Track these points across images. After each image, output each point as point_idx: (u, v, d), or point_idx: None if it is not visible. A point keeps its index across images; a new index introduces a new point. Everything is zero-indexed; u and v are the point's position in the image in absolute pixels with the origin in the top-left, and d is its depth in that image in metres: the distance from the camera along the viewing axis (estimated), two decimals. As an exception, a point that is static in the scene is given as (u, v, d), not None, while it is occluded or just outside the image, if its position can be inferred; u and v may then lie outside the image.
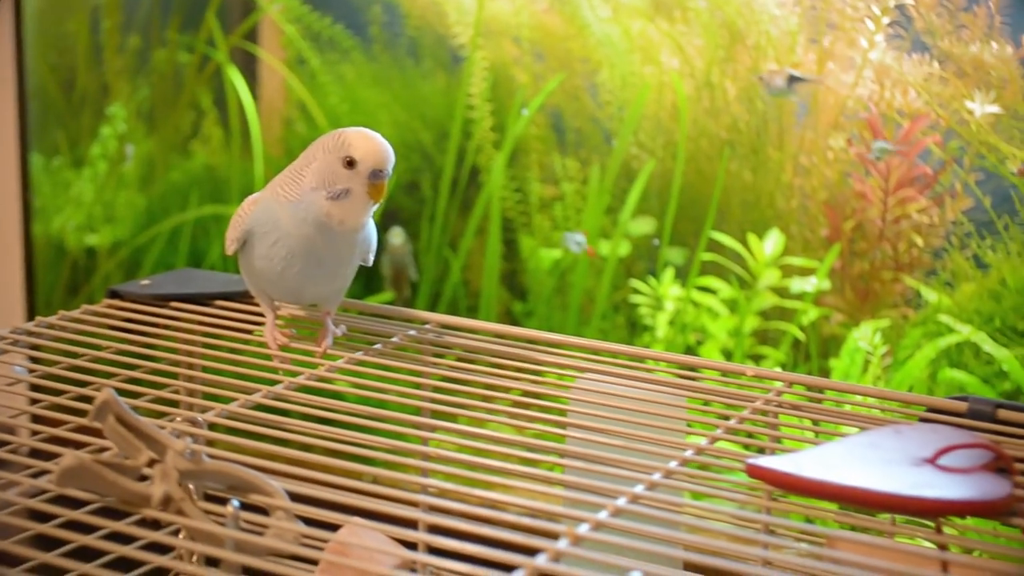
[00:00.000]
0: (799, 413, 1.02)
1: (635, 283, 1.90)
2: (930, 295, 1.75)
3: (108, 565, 0.84)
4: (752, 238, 1.82)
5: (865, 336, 1.68)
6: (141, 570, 1.07)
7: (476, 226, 1.97)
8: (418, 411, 1.07)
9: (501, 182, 1.97)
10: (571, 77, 2.01)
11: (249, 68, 2.25)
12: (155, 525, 0.94)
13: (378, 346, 1.11)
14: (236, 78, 2.03)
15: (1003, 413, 0.99)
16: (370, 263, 1.12)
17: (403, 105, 2.12)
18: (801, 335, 1.80)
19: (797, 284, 1.81)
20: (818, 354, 1.81)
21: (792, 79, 1.76)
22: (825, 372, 1.77)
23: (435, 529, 0.89)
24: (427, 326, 1.16)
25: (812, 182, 1.87)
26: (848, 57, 1.84)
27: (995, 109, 1.70)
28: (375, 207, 1.07)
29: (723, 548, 0.81)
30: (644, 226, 1.94)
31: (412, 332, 1.14)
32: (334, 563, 0.96)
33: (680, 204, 1.92)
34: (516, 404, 1.02)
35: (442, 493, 0.95)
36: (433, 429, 1.04)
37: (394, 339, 1.13)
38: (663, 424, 0.98)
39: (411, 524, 1.01)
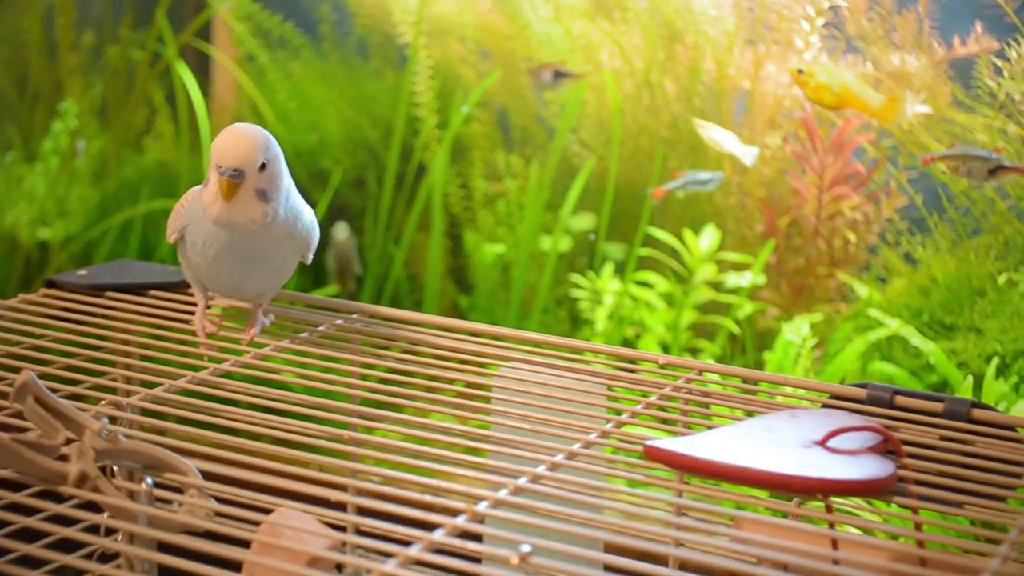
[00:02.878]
0: (707, 399, 1.06)
1: (575, 278, 1.93)
2: (862, 290, 1.79)
3: (51, 546, 0.87)
4: (688, 234, 1.86)
5: (796, 330, 1.72)
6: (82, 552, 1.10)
7: (419, 221, 2.00)
8: (344, 397, 1.11)
9: (443, 177, 2.00)
10: (515, 76, 2.05)
11: (201, 66, 2.28)
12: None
13: (304, 335, 1.15)
14: (186, 75, 2.06)
15: (900, 399, 1.03)
16: (308, 260, 1.14)
17: (350, 102, 2.15)
18: (736, 329, 1.84)
19: (733, 279, 1.85)
20: (753, 347, 1.85)
21: (558, 74, 1.86)
22: (760, 365, 1.81)
23: (363, 511, 0.92)
24: (354, 316, 1.19)
25: (749, 179, 1.91)
26: (785, 58, 1.88)
27: (925, 109, 1.74)
28: (257, 208, 1.05)
29: (633, 528, 0.84)
30: (585, 222, 1.98)
31: (339, 321, 1.18)
32: (266, 545, 0.99)
33: (620, 200, 1.96)
34: (436, 390, 1.06)
35: (367, 476, 0.98)
36: (359, 415, 1.08)
37: (320, 328, 1.16)
38: (579, 410, 1.01)
39: (340, 507, 1.05)
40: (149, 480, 0.83)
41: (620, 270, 1.92)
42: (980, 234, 1.79)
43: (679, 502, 0.93)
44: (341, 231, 2.00)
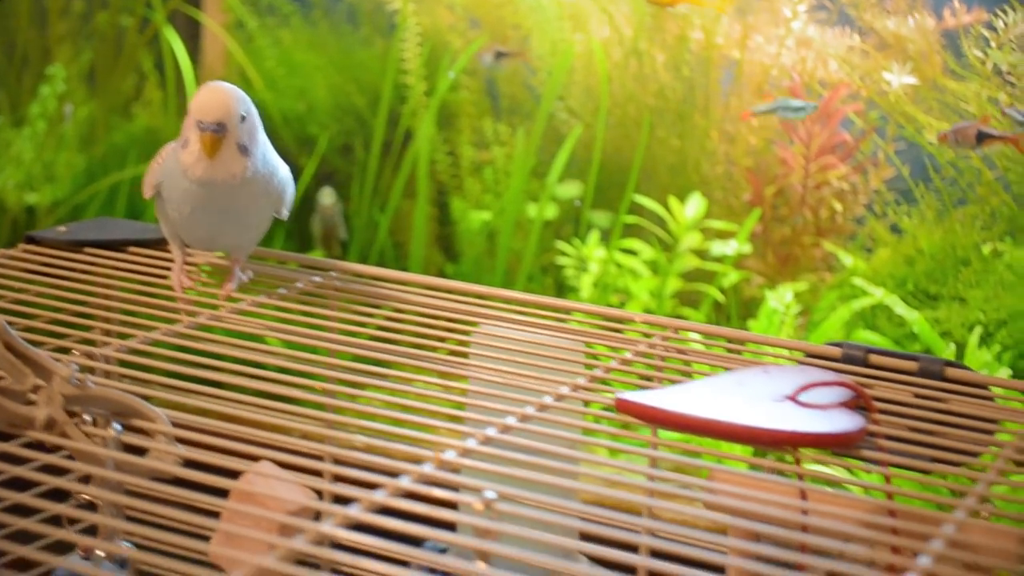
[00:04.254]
0: (683, 356, 1.06)
1: (561, 245, 1.93)
2: (847, 259, 1.79)
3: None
4: (674, 201, 1.86)
5: (780, 298, 1.72)
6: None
7: (405, 188, 2.00)
8: (321, 351, 1.11)
9: (429, 144, 2.00)
10: (503, 43, 2.04)
11: (191, 32, 2.27)
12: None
13: (282, 290, 1.15)
14: (174, 41, 2.06)
15: (874, 358, 1.03)
16: (284, 216, 1.15)
17: (339, 69, 2.15)
18: (721, 297, 1.84)
19: (718, 247, 1.85)
20: (738, 315, 1.85)
21: (499, 55, 1.95)
22: (744, 333, 1.81)
23: (339, 461, 0.93)
24: (332, 273, 1.19)
25: (736, 148, 1.91)
26: (773, 27, 1.88)
27: (911, 80, 1.74)
28: (239, 162, 1.05)
29: (607, 478, 0.85)
30: (572, 190, 1.97)
31: (317, 278, 1.18)
32: (242, 500, 0.99)
33: (608, 169, 1.96)
34: (415, 346, 1.06)
35: (343, 426, 0.99)
36: (336, 368, 1.07)
37: (298, 284, 1.16)
38: (555, 366, 1.01)
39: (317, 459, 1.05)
40: (117, 426, 0.83)
41: (606, 238, 1.92)
42: (966, 204, 1.79)
43: (653, 454, 0.93)
44: (327, 196, 2.00)
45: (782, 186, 1.87)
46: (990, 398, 1.00)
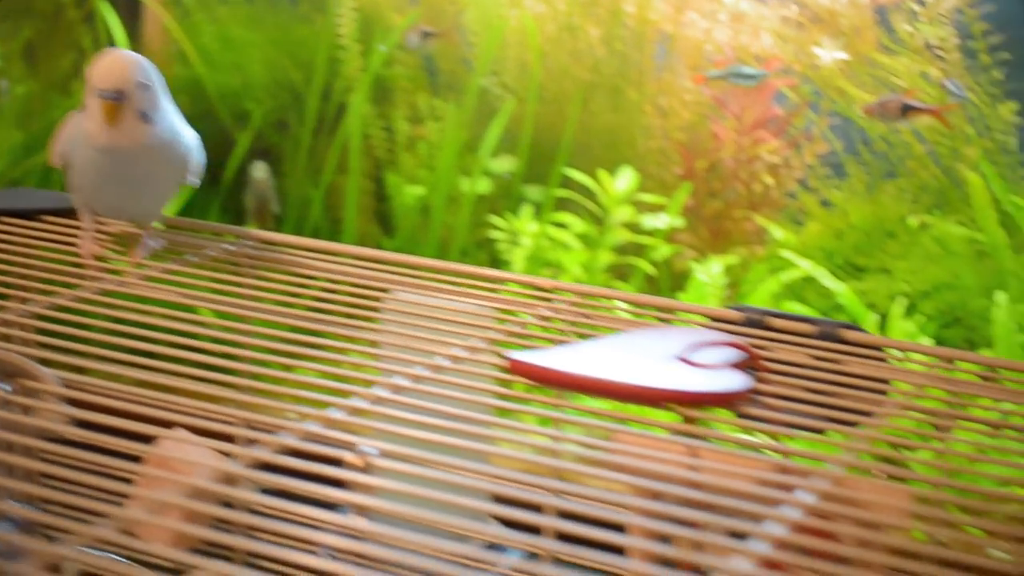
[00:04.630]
0: (587, 320, 1.06)
1: (494, 219, 1.94)
2: (778, 233, 1.80)
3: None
4: (605, 175, 1.87)
5: (708, 270, 1.73)
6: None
7: (339, 162, 2.00)
8: (229, 317, 1.11)
9: (361, 119, 2.00)
10: (439, 19, 2.05)
11: (130, 8, 2.26)
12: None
13: (193, 258, 1.15)
14: (111, 17, 2.05)
15: (773, 321, 1.04)
16: (193, 183, 1.15)
17: (275, 45, 2.15)
18: (652, 270, 1.85)
19: (650, 221, 1.86)
20: (669, 288, 1.86)
21: (425, 34, 2.01)
22: (675, 307, 1.82)
23: (251, 426, 0.93)
24: (246, 241, 1.19)
25: (670, 123, 1.92)
26: (707, 2, 1.89)
27: (842, 55, 1.76)
28: (140, 129, 1.05)
29: (503, 437, 0.85)
30: (506, 164, 1.98)
31: (230, 247, 1.18)
32: (159, 466, 0.99)
33: (542, 143, 1.96)
34: (323, 311, 1.07)
35: (255, 390, 0.99)
36: (244, 334, 1.08)
37: (209, 252, 1.17)
38: (457, 329, 1.02)
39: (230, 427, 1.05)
40: (5, 386, 0.84)
41: (538, 212, 1.92)
42: (896, 178, 1.81)
43: (555, 416, 0.94)
44: (259, 170, 2.00)
45: (715, 160, 1.88)
46: (884, 359, 1.01)
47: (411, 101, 2.08)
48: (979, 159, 1.76)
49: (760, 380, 0.93)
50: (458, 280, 1.15)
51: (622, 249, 1.89)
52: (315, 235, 2.01)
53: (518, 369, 0.91)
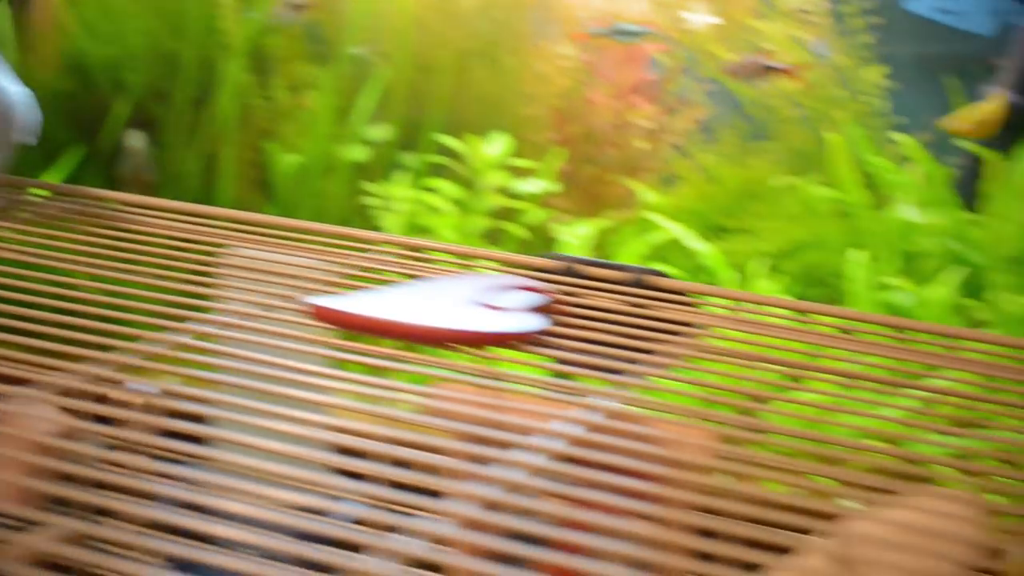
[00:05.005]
0: (410, 271, 1.08)
1: (369, 186, 1.95)
2: (649, 196, 1.83)
3: None
4: (477, 141, 1.89)
5: (573, 232, 1.75)
6: None
7: (219, 131, 2.01)
8: (60, 272, 1.12)
9: (239, 88, 2.01)
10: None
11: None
12: None
13: (25, 215, 1.16)
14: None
15: (583, 268, 1.06)
16: (28, 141, 1.15)
17: (157, 15, 2.15)
18: (525, 234, 1.87)
19: (524, 186, 1.88)
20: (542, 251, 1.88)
21: (296, 6, 2.03)
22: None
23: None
24: (83, 199, 1.20)
25: (546, 89, 1.94)
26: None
27: (714, 20, 1.78)
28: None
29: (308, 381, 0.87)
30: (383, 132, 1.99)
31: (65, 204, 1.19)
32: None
33: (420, 110, 1.98)
34: (162, 266, 1.08)
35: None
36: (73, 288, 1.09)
37: (44, 209, 1.17)
38: (286, 282, 1.03)
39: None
40: None
41: (413, 178, 1.94)
42: (768, 142, 1.83)
43: (375, 363, 0.95)
44: (133, 139, 2.00)
45: (589, 126, 1.90)
46: (692, 304, 1.04)
47: (291, 70, 2.09)
48: (847, 122, 1.79)
49: (560, 324, 0.95)
50: (293, 236, 1.17)
51: (498, 214, 1.90)
52: (194, 202, 2.02)
53: (319, 314, 0.93)
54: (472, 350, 0.92)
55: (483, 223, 1.89)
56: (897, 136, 1.79)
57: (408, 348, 1.01)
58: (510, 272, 1.09)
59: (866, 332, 1.05)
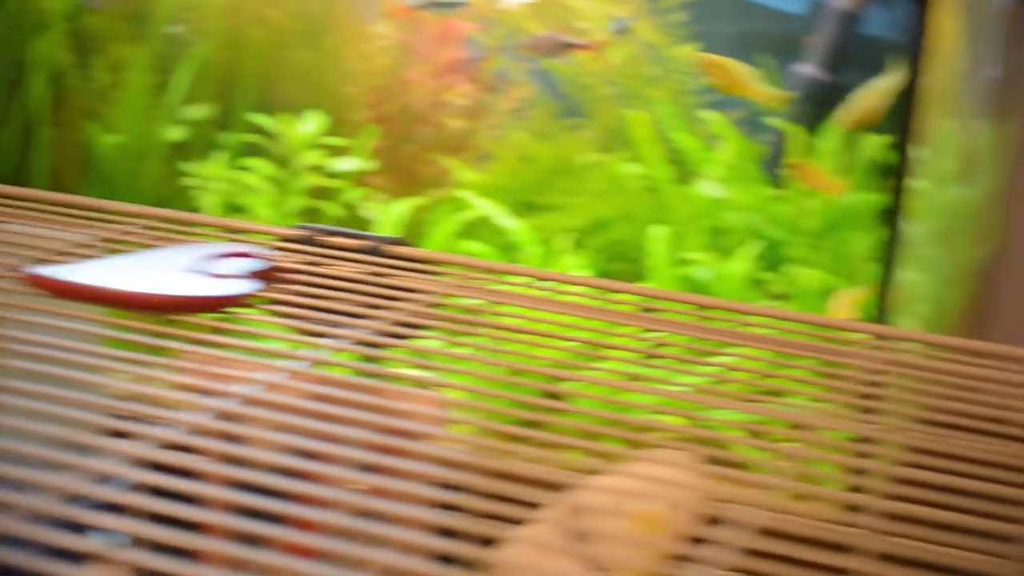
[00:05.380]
0: (146, 240, 1.09)
1: (188, 166, 1.95)
2: (464, 174, 1.84)
3: None
4: (290, 119, 1.89)
5: (392, 212, 1.77)
6: None
7: (32, 110, 2.00)
8: None
9: (54, 67, 2.00)
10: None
11: None
12: None
13: None
14: None
15: (326, 239, 1.08)
16: None
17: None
18: (341, 212, 1.88)
19: (340, 165, 1.89)
20: (365, 228, 1.89)
21: None
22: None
23: None
24: None
25: (363, 68, 1.94)
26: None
27: (525, -2, 1.79)
28: None
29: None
30: (201, 111, 1.99)
31: None
32: None
33: (236, 89, 1.98)
34: None
35: None
36: None
37: None
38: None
39: None
40: None
41: (230, 157, 1.94)
42: (581, 119, 1.85)
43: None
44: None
45: (405, 103, 1.91)
46: (436, 273, 1.05)
47: (113, 51, 2.08)
48: (659, 99, 1.81)
49: (293, 292, 0.96)
50: (56, 210, 1.17)
51: (314, 192, 1.91)
52: (15, 184, 2.01)
53: (36, 283, 0.93)
54: (188, 316, 0.93)
55: (299, 202, 1.89)
56: (707, 113, 1.82)
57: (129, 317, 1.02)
58: (259, 242, 1.10)
59: (665, 310, 1.07)
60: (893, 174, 1.52)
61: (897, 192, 1.50)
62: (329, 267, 1.04)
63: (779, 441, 0.89)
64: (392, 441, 0.81)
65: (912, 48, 1.54)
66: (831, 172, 1.69)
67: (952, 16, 1.60)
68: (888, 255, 1.51)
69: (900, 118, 1.55)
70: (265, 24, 1.98)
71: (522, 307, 1.02)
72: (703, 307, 1.13)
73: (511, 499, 0.75)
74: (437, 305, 1.00)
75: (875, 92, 1.66)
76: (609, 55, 1.76)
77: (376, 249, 1.05)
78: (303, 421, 0.80)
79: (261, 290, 0.93)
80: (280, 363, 0.86)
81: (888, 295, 1.53)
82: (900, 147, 1.51)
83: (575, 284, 1.06)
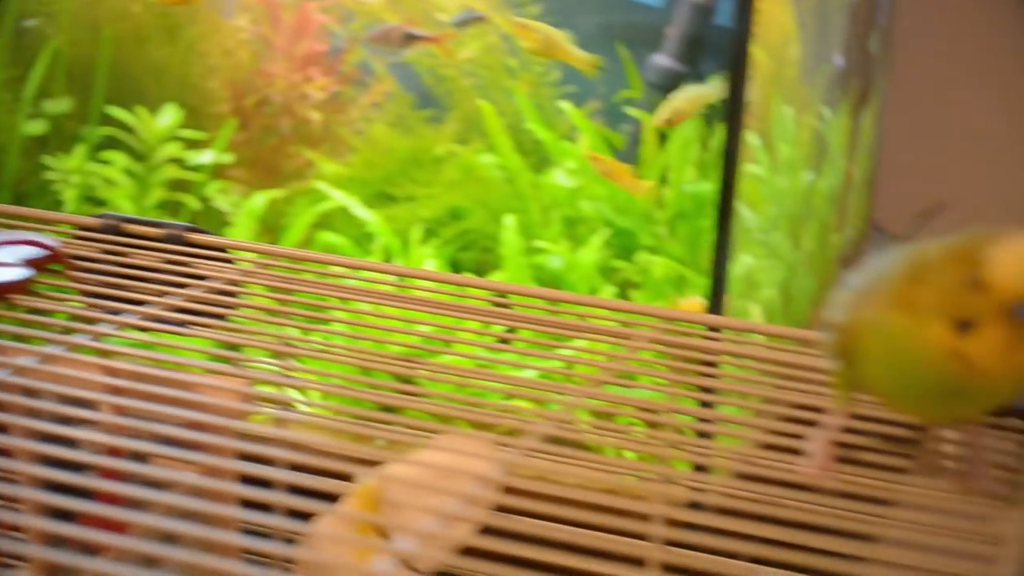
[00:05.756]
0: None
1: (49, 160, 1.94)
2: (324, 167, 1.85)
3: None
4: (147, 113, 1.89)
5: (251, 204, 1.77)
6: None
7: None
8: None
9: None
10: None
11: None
12: None
13: None
14: None
15: (127, 227, 1.08)
16: None
17: None
18: (199, 205, 1.88)
19: (199, 158, 1.89)
20: (216, 223, 1.89)
21: None
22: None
23: None
24: None
25: (223, 61, 1.94)
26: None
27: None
28: None
29: None
30: (61, 105, 1.98)
31: None
32: None
33: (97, 83, 1.97)
34: None
35: None
36: None
37: None
38: None
39: None
40: None
41: (90, 151, 1.93)
42: (440, 111, 1.87)
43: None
44: None
45: (264, 96, 1.91)
46: (231, 260, 1.06)
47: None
48: (517, 91, 1.82)
49: (73, 278, 0.96)
50: None
51: (174, 185, 1.91)
52: None
53: None
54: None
55: (159, 195, 1.89)
56: (564, 104, 1.84)
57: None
58: (55, 231, 1.10)
59: (518, 305, 1.09)
60: (725, 161, 1.54)
61: (728, 179, 1.52)
62: (125, 256, 1.05)
63: (621, 424, 0.91)
64: (174, 430, 0.82)
65: (738, 38, 1.56)
66: (632, 169, 1.71)
67: (782, 5, 1.63)
68: (721, 242, 1.54)
69: (730, 107, 1.57)
70: (124, 18, 1.98)
71: (347, 298, 1.03)
72: (552, 300, 1.15)
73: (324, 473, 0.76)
74: (226, 292, 1.01)
75: (687, 95, 1.69)
76: (456, 48, 1.77)
77: (176, 237, 1.06)
78: (61, 407, 0.81)
79: (43, 277, 0.93)
80: (49, 349, 0.87)
81: (724, 282, 1.55)
82: (731, 135, 1.53)
83: (377, 271, 1.07)
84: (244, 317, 1.01)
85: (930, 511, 0.72)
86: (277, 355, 0.93)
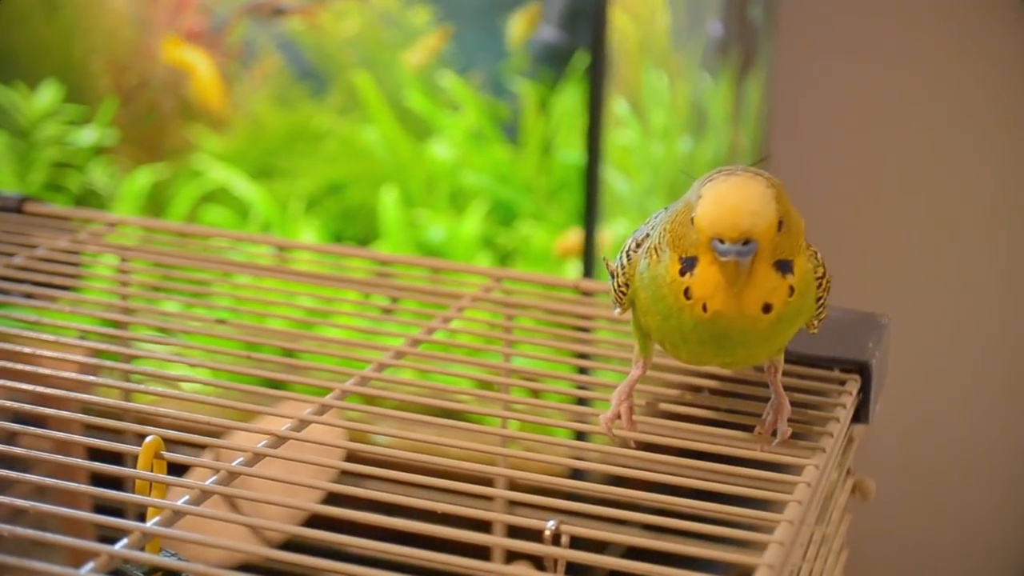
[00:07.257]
0: None
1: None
2: (207, 142, 1.85)
3: None
4: (24, 89, 1.89)
5: (134, 182, 1.77)
6: None
7: None
8: None
9: None
10: None
11: None
12: None
13: None
14: None
15: (28, 206, 1.09)
16: None
17: None
18: (85, 184, 1.87)
19: (82, 136, 1.88)
20: (99, 202, 1.89)
21: None
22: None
23: None
24: None
25: (102, 37, 1.94)
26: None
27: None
28: None
29: None
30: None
31: None
32: None
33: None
34: None
35: None
36: None
37: None
38: None
39: None
40: None
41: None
42: (322, 84, 1.87)
43: None
44: None
45: (146, 72, 1.91)
46: (74, 231, 1.07)
47: None
48: (397, 63, 1.83)
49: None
50: None
51: (59, 164, 1.90)
52: None
53: None
54: None
55: (43, 174, 1.89)
56: (446, 76, 1.85)
57: None
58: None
59: (398, 274, 1.10)
60: (590, 127, 1.56)
61: (593, 146, 1.54)
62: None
63: (503, 394, 0.92)
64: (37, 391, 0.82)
65: (598, 3, 1.58)
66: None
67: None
68: (590, 208, 1.56)
69: (592, 73, 1.58)
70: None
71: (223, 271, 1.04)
72: (434, 270, 1.16)
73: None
74: (60, 262, 1.01)
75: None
76: (332, 21, 1.77)
77: (15, 207, 1.07)
78: None
79: None
80: None
81: (594, 249, 1.57)
82: (594, 101, 1.55)
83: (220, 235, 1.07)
84: (92, 288, 1.02)
85: (731, 460, 0.74)
86: (118, 325, 0.94)
